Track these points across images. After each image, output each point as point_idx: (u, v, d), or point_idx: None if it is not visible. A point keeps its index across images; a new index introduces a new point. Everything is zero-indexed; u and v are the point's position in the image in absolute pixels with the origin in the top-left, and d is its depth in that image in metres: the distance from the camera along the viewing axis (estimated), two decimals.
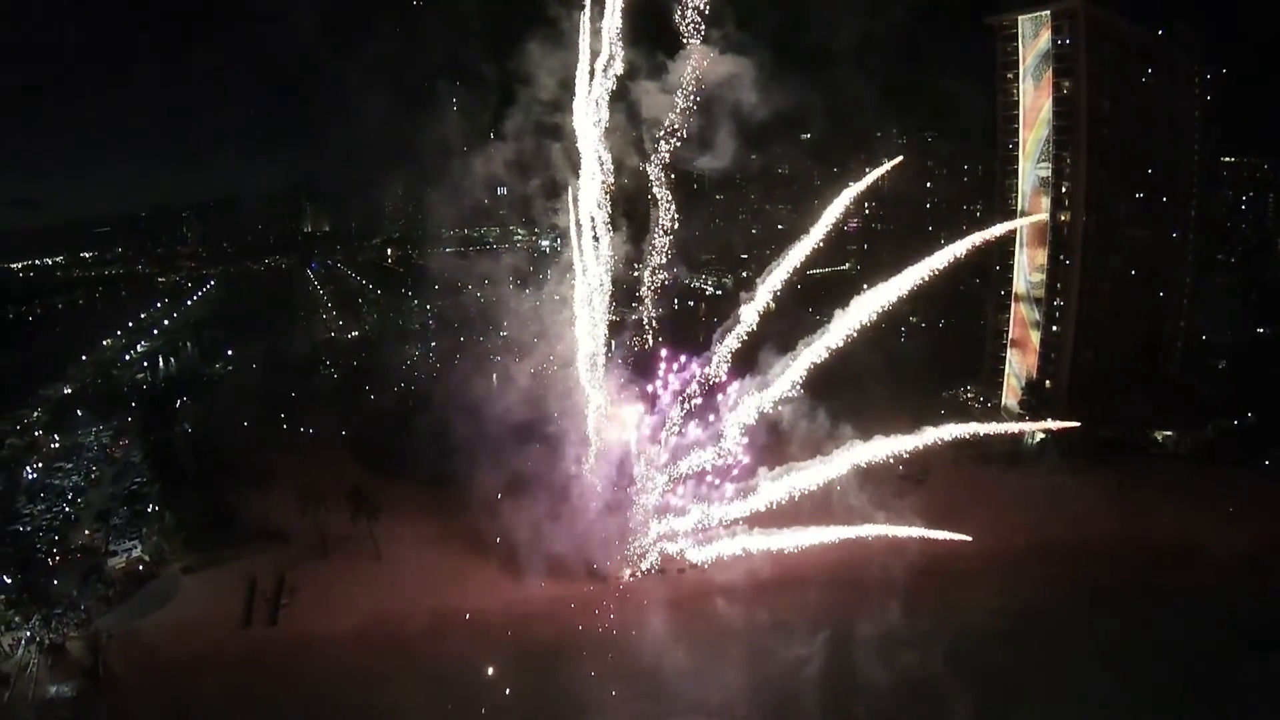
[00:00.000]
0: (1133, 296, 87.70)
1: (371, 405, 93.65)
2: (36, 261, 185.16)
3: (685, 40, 55.66)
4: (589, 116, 58.68)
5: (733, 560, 60.33)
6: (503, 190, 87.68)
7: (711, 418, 61.88)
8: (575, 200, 61.72)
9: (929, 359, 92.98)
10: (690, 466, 62.32)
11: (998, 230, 70.27)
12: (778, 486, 59.59)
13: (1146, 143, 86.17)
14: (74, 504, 78.76)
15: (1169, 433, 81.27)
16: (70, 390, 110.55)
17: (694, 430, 62.56)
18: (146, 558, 66.90)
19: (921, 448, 57.24)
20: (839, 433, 58.66)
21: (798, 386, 58.49)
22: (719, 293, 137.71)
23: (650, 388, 63.58)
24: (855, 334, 57.56)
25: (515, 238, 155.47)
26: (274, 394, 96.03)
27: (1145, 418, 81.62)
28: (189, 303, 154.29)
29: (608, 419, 63.38)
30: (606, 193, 61.28)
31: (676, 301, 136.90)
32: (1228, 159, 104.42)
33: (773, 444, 61.73)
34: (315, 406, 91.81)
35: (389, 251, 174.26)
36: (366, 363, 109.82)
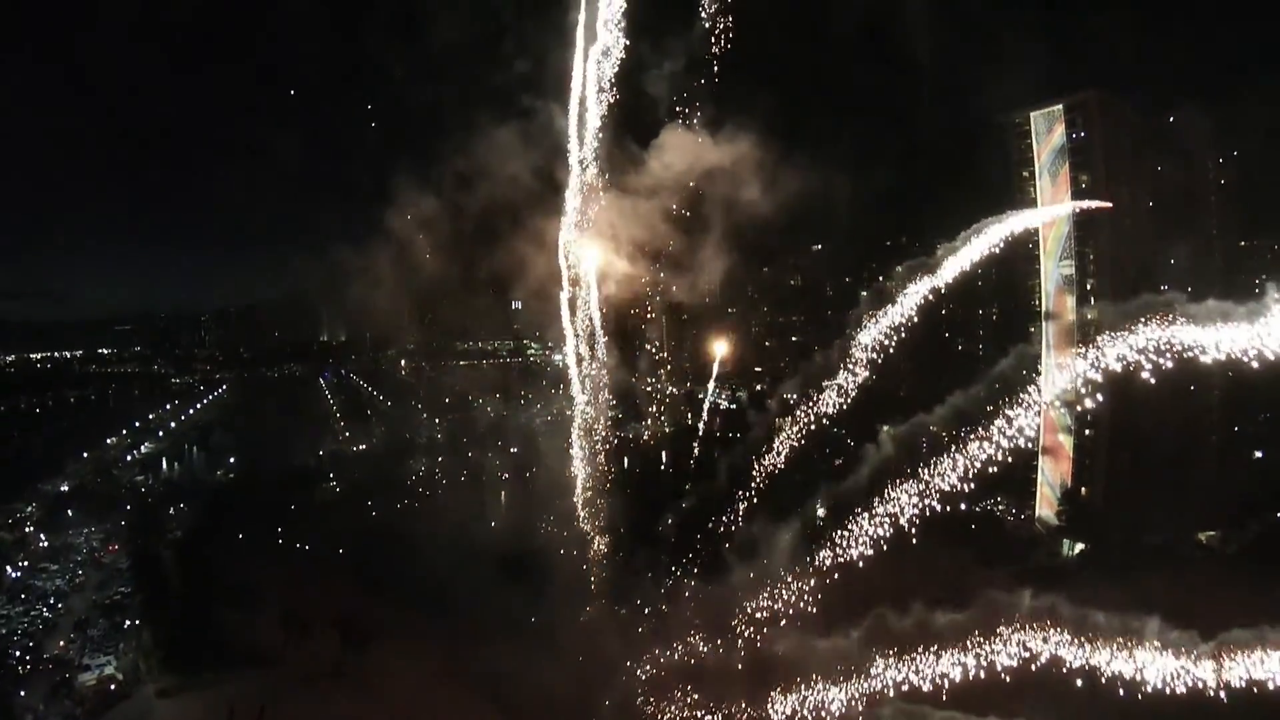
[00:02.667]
0: (1164, 393, 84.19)
1: (372, 523, 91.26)
2: (55, 354, 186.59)
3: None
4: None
5: None
6: (517, 304, 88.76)
7: None
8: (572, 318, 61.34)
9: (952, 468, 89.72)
10: None
11: None
12: None
13: (1167, 232, 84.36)
14: (54, 609, 75.74)
15: (1212, 533, 77.66)
16: (68, 487, 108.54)
17: None
18: (119, 676, 63.48)
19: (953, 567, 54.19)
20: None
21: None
22: (733, 406, 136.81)
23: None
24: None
25: (529, 351, 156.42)
26: (272, 505, 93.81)
27: (1187, 519, 77.95)
28: (198, 406, 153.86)
29: None
30: (601, 308, 60.99)
31: (689, 415, 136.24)
32: (1245, 242, 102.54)
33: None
34: (314, 521, 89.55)
35: (403, 363, 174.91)
36: (371, 477, 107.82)
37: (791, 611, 56.54)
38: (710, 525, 61.35)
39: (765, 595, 57.02)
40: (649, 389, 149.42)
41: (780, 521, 59.44)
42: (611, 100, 53.16)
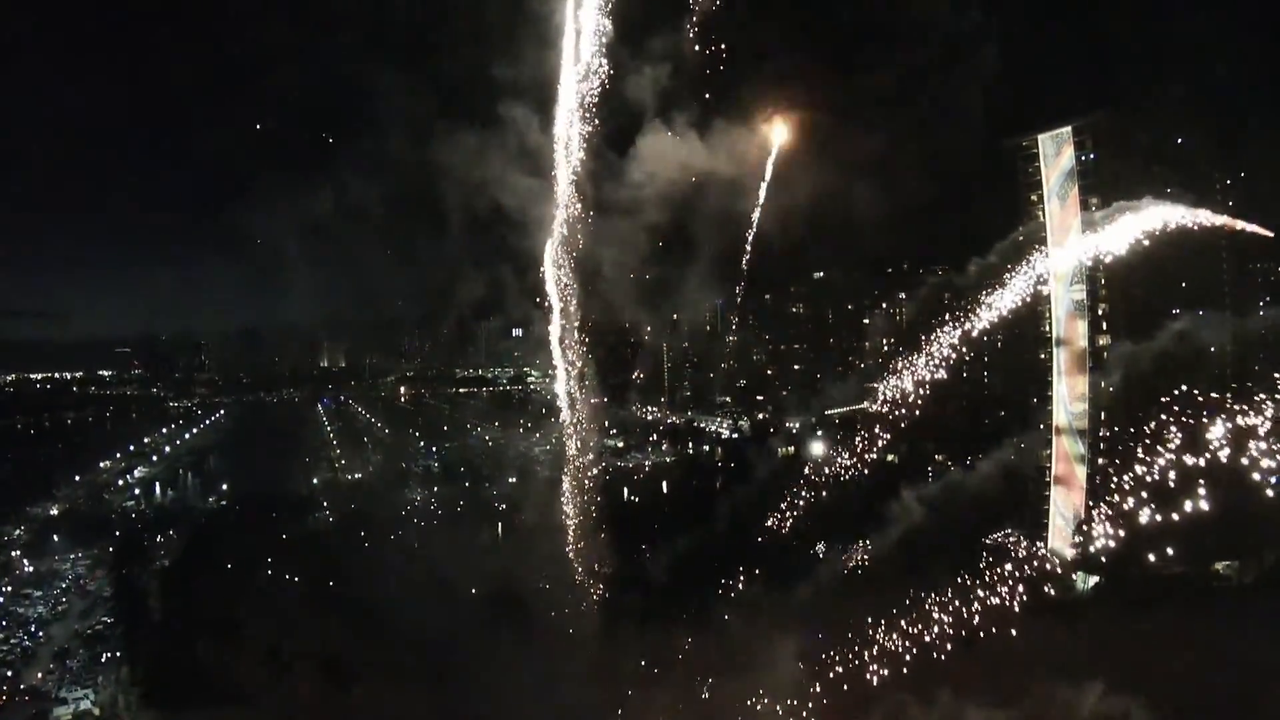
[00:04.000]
0: (1177, 420, 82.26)
1: (364, 555, 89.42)
2: (55, 374, 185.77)
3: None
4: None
5: None
6: (518, 332, 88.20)
7: None
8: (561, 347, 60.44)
9: (962, 500, 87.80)
10: None
11: None
12: None
13: (1177, 255, 78.49)
14: (35, 637, 74.04)
15: (1230, 562, 75.70)
16: (57, 511, 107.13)
17: None
18: (96, 711, 61.65)
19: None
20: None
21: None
22: (734, 435, 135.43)
23: None
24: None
25: (529, 379, 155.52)
26: (263, 535, 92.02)
27: (1204, 549, 75.01)
28: (196, 430, 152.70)
29: None
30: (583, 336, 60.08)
31: (690, 444, 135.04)
32: (1254, 265, 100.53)
33: None
34: (304, 552, 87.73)
35: (402, 390, 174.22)
36: (364, 507, 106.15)
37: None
38: (706, 575, 59.77)
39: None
40: (648, 417, 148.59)
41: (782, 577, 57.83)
42: (595, 115, 52.65)
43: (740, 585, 62.36)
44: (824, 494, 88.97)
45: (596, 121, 52.04)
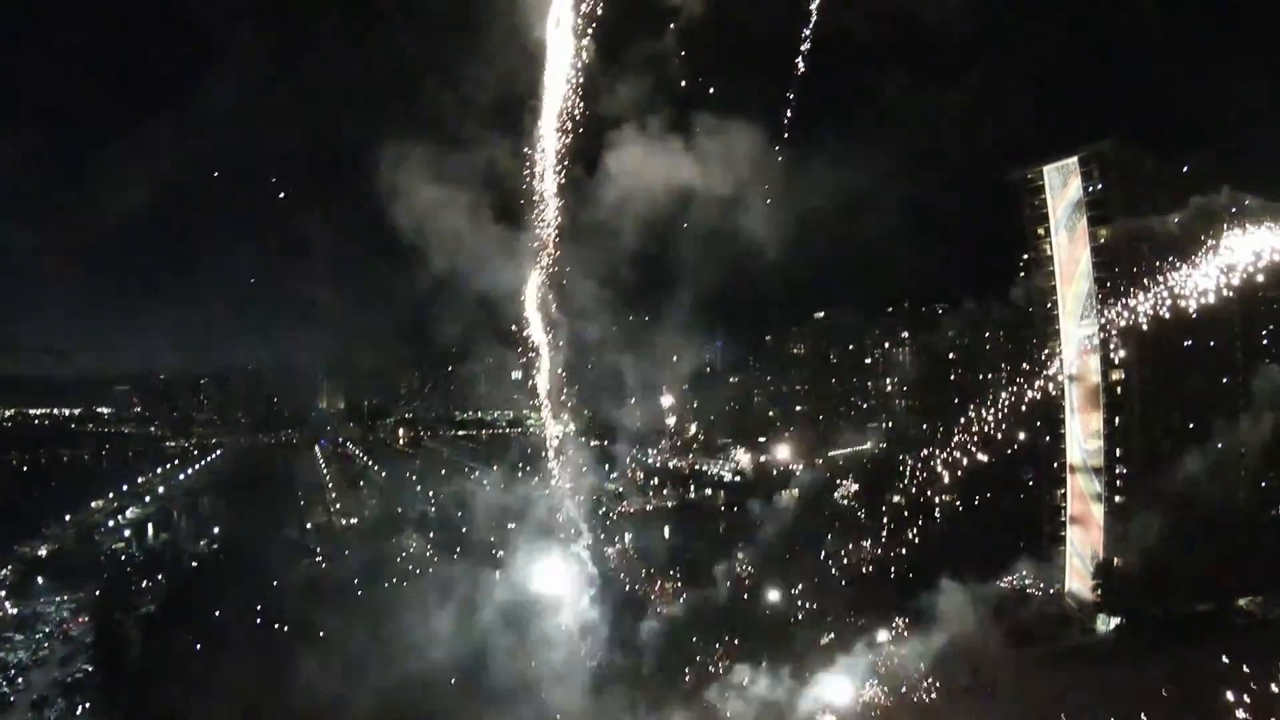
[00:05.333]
0: (1193, 453, 78.13)
1: (355, 604, 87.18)
2: (53, 411, 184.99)
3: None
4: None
5: None
6: (517, 374, 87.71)
7: None
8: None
9: (974, 544, 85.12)
10: None
11: None
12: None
13: (1185, 284, 76.39)
14: (13, 683, 72.06)
15: (1255, 598, 73.88)
16: (45, 551, 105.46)
17: None
18: None
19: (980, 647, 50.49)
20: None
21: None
22: (737, 479, 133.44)
23: None
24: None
25: (529, 422, 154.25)
26: (253, 581, 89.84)
27: (1228, 586, 73.90)
28: (190, 471, 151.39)
29: None
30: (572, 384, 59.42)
31: (692, 490, 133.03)
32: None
33: None
34: (294, 600, 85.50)
35: (400, 432, 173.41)
36: (358, 554, 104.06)
37: None
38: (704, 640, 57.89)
39: None
40: (648, 460, 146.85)
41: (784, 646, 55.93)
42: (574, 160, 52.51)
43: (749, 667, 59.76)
44: (830, 545, 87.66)
45: (576, 167, 51.93)
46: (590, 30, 46.81)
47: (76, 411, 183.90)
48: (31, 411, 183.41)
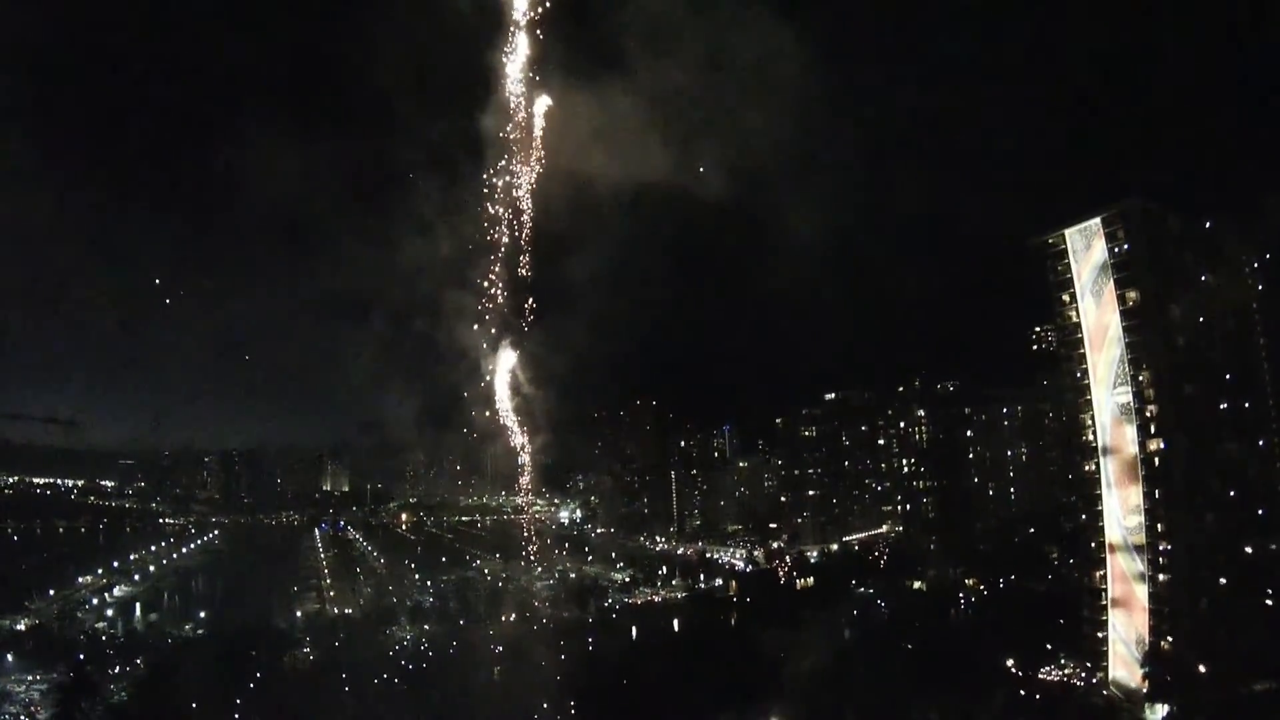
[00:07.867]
0: (1236, 523, 74.25)
1: (341, 703, 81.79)
2: (57, 481, 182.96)
3: None
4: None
5: None
6: (523, 459, 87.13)
7: None
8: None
9: (1003, 630, 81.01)
10: None
11: None
12: None
13: (1217, 345, 76.31)
14: None
15: None
16: (25, 626, 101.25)
17: None
18: None
19: None
20: None
21: None
22: (749, 569, 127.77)
23: None
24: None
25: (535, 508, 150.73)
26: (234, 673, 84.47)
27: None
28: (185, 550, 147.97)
29: None
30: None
31: (702, 580, 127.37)
32: None
33: None
34: (277, 695, 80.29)
35: (403, 517, 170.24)
36: (349, 646, 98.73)
37: None
38: None
39: None
40: (657, 548, 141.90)
41: None
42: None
43: None
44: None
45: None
46: None
47: (80, 483, 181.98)
48: (35, 480, 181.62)
